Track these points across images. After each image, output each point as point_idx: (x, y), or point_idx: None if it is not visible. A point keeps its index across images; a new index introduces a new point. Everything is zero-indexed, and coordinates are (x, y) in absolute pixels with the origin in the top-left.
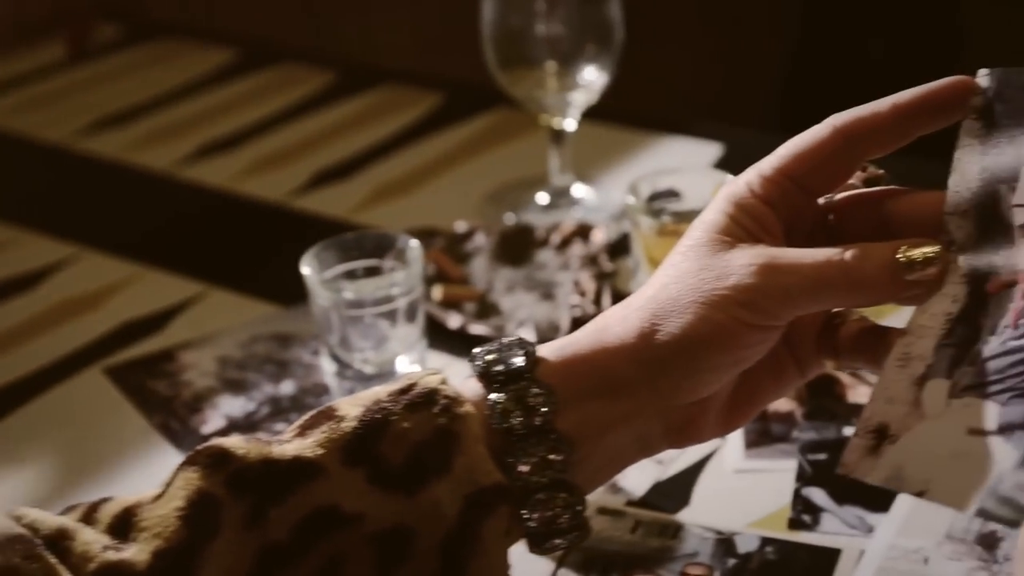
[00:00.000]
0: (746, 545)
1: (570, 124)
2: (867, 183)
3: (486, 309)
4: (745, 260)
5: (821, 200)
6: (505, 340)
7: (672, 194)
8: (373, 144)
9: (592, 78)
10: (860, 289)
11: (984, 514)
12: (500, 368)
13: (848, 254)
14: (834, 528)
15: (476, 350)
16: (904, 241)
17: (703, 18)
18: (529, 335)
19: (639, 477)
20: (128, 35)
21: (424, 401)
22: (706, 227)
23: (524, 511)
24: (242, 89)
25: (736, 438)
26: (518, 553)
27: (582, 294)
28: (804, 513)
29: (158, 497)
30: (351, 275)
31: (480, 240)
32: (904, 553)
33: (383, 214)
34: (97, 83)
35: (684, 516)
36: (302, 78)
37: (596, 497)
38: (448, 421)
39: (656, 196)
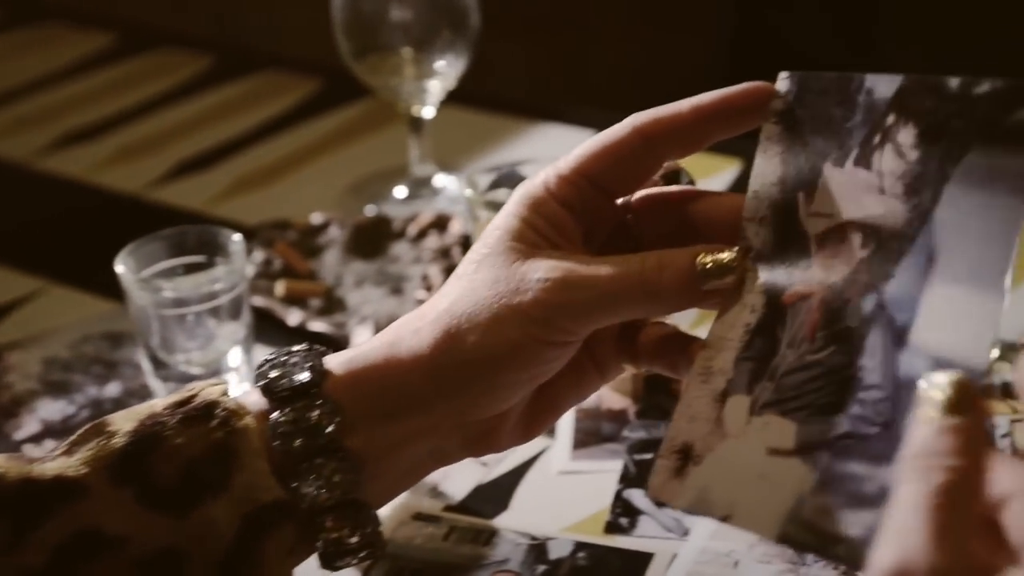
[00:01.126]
0: (559, 551)
1: (428, 112)
2: (666, 178)
3: (332, 304)
4: (540, 275)
5: (619, 200)
6: (294, 350)
7: (515, 182)
8: (242, 133)
9: (448, 64)
10: (658, 300)
11: (787, 540)
12: (284, 383)
13: (646, 264)
14: (651, 531)
15: (263, 360)
16: (702, 247)
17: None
18: (366, 333)
19: (460, 480)
20: (14, 16)
21: (201, 414)
22: (501, 233)
23: (312, 532)
24: (117, 74)
25: (564, 438)
26: (317, 568)
27: (429, 288)
28: (622, 516)
29: None
30: (172, 273)
31: (334, 233)
32: (715, 557)
33: (241, 206)
34: None
35: (501, 521)
36: (180, 63)
37: (412, 502)
38: (225, 436)
39: (498, 184)
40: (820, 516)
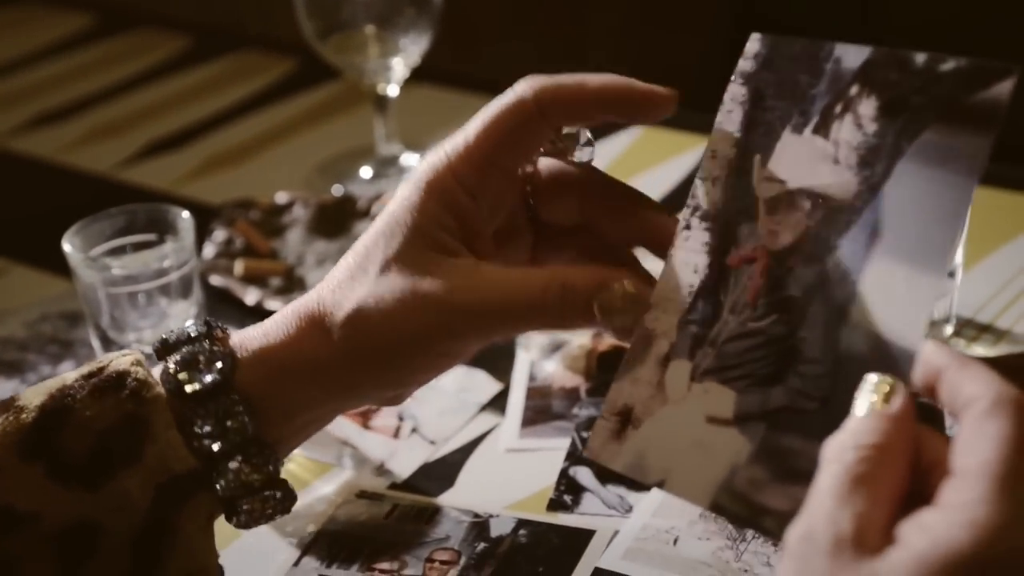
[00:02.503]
0: (500, 528)
1: (393, 90)
2: (566, 137)
3: (291, 283)
4: (448, 285)
5: (520, 172)
6: (194, 336)
7: None
8: (214, 113)
9: (411, 42)
10: (558, 327)
11: (718, 509)
12: (197, 388)
13: (548, 294)
14: (593, 509)
15: (164, 341)
16: (602, 279)
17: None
18: None
19: (407, 459)
20: None
21: (111, 385)
22: (411, 234)
23: (217, 481)
24: (95, 55)
25: (514, 416)
26: (263, 542)
27: None
28: (566, 494)
29: None
30: (121, 252)
31: (298, 212)
32: (655, 533)
33: (209, 186)
34: None
35: (445, 499)
36: (157, 44)
37: (356, 480)
38: (136, 406)
39: None
40: (751, 487)
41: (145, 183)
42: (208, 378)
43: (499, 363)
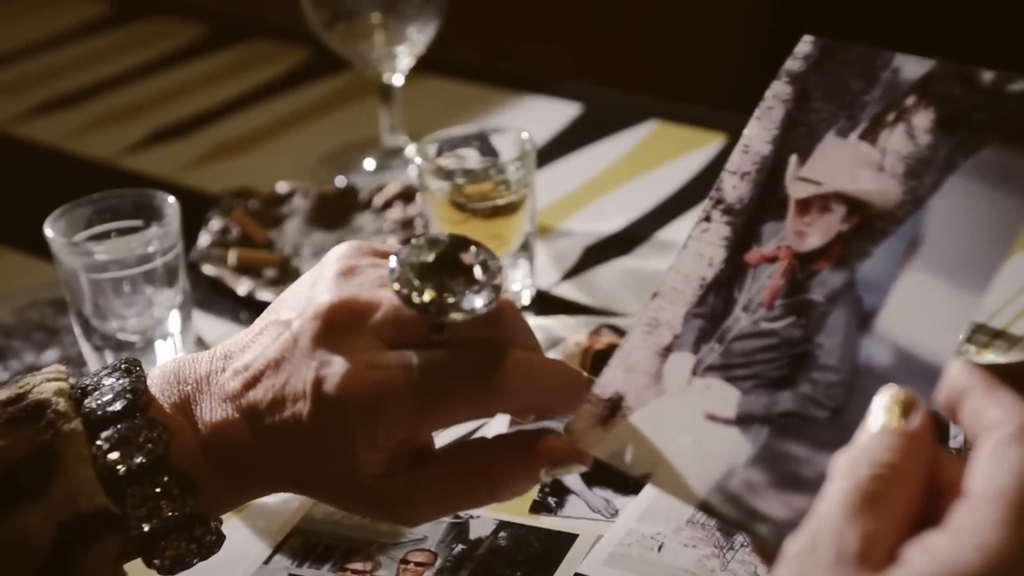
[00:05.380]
0: (480, 530)
1: (398, 79)
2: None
3: (286, 275)
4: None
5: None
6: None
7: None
8: (222, 102)
9: (418, 30)
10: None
11: (707, 509)
12: (130, 466)
13: (494, 493)
14: (578, 512)
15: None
16: (542, 461)
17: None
18: None
19: None
20: None
21: (28, 416)
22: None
23: (148, 550)
24: (111, 42)
25: (502, 415)
26: (235, 539)
27: None
28: (551, 495)
29: None
30: (105, 238)
31: (298, 202)
32: (640, 539)
33: (212, 175)
34: None
35: None
36: (173, 31)
37: None
38: (51, 438)
39: (442, 150)
40: (748, 491)
41: (147, 171)
42: (139, 459)
43: None
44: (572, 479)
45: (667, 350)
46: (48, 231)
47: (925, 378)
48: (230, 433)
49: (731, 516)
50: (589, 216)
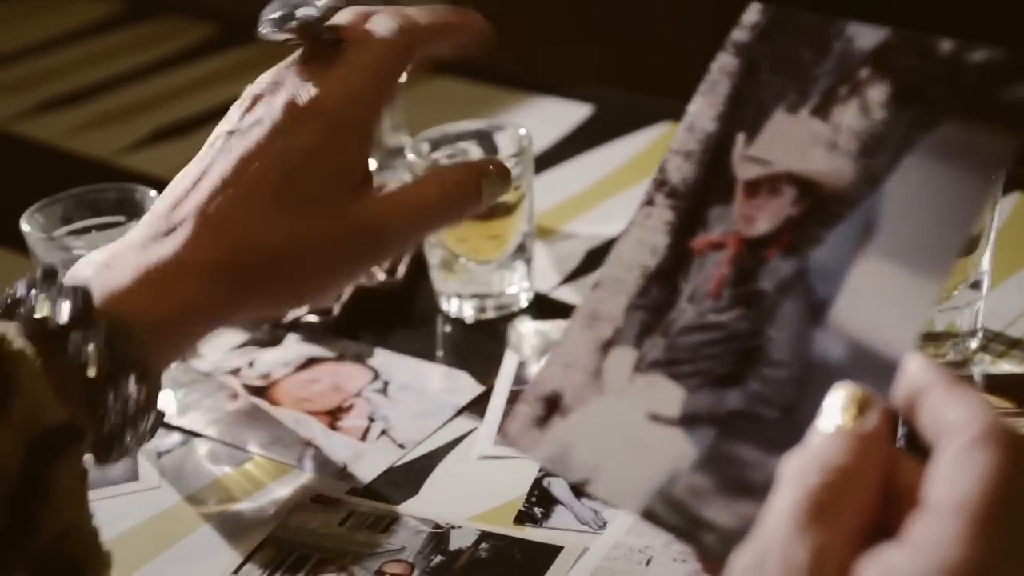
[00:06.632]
0: (460, 541)
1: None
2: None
3: None
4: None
5: None
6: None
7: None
8: (228, 101)
9: None
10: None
11: (650, 517)
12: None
13: (448, 192)
14: (564, 523)
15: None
16: (478, 166)
17: None
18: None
19: (371, 462)
20: None
21: None
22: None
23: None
24: (119, 41)
25: (493, 421)
26: (204, 546)
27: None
28: (537, 506)
29: None
30: (85, 234)
31: None
32: (628, 552)
33: None
34: None
35: (407, 507)
36: (182, 30)
37: (313, 483)
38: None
39: (450, 141)
40: (692, 497)
41: (145, 169)
42: (66, 311)
43: (484, 365)
44: (560, 490)
45: (608, 345)
46: (24, 226)
47: (882, 373)
48: (200, 247)
49: (675, 525)
50: (593, 219)
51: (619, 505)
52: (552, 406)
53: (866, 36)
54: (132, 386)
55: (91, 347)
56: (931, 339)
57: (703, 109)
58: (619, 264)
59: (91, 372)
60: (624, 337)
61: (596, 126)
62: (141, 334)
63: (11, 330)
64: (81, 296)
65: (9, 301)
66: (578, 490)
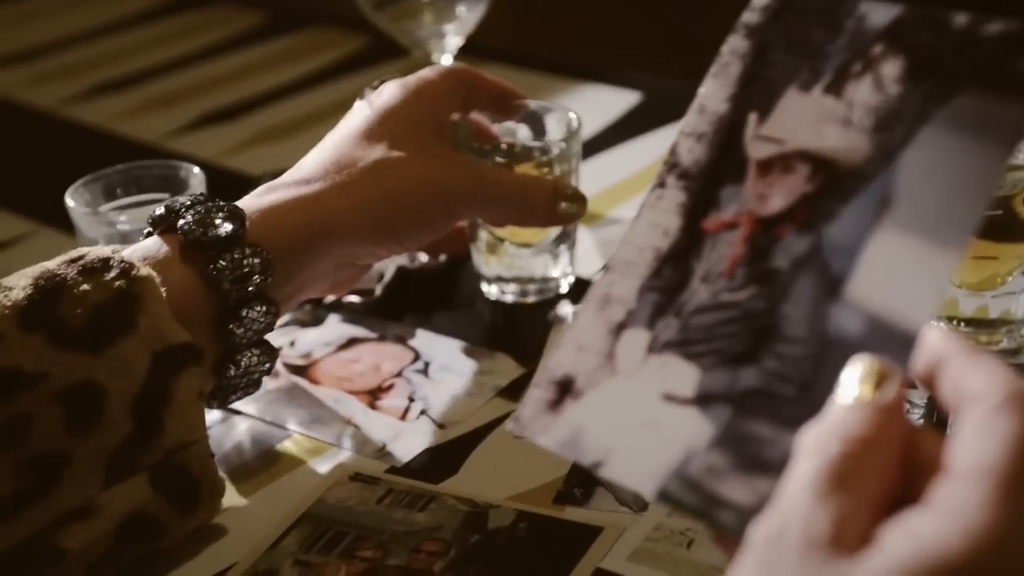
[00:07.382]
0: (499, 520)
1: (446, 60)
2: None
3: None
4: (462, 174)
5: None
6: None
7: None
8: (274, 87)
9: (467, 9)
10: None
11: (666, 498)
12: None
13: (540, 194)
14: (605, 505)
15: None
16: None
17: None
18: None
19: (411, 441)
20: None
21: (99, 267)
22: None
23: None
24: (168, 28)
25: None
26: (242, 521)
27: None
28: (577, 487)
29: None
30: (129, 210)
31: None
32: (668, 534)
33: (254, 158)
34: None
35: (445, 487)
36: (232, 17)
37: (352, 461)
38: (128, 284)
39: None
40: (709, 476)
41: (191, 152)
42: (223, 230)
43: (525, 348)
44: None
45: (620, 327)
46: (69, 201)
47: (900, 346)
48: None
49: (691, 504)
50: (639, 206)
51: (633, 487)
52: (565, 389)
53: (879, 13)
54: (259, 312)
55: (240, 267)
56: (984, 326)
57: (714, 91)
58: (631, 247)
59: (231, 293)
60: (637, 319)
61: (644, 113)
62: (274, 260)
63: (138, 256)
64: (239, 218)
65: (165, 212)
66: None
